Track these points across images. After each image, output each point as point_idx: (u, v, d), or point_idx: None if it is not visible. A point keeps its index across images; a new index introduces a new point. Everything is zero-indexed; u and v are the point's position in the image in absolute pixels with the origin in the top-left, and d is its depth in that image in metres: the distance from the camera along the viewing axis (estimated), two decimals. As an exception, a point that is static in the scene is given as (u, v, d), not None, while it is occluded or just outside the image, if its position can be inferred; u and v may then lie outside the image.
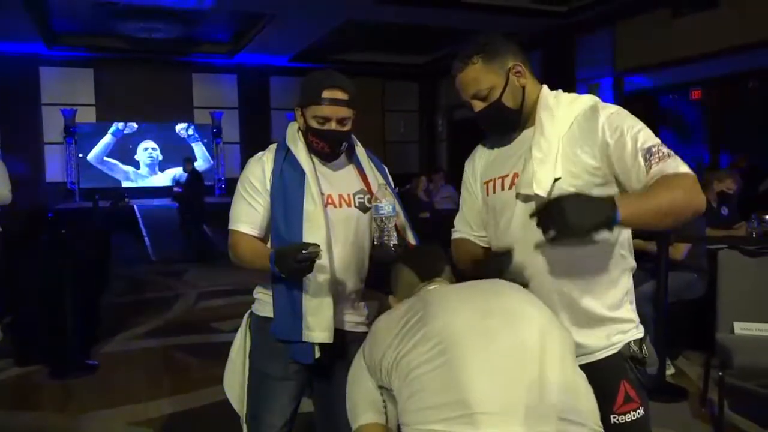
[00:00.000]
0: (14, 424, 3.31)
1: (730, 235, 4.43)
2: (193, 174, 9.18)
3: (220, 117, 14.21)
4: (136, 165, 14.00)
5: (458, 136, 13.62)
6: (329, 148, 1.78)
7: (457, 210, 1.80)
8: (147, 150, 13.97)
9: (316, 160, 1.82)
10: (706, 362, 3.32)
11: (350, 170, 1.88)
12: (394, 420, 1.36)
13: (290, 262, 1.57)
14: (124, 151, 13.77)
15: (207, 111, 14.14)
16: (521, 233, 1.51)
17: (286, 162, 1.79)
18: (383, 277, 1.65)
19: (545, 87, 1.58)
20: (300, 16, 9.82)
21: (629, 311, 1.54)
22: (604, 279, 1.49)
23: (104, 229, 7.32)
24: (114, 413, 3.35)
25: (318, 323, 1.72)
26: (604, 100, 1.55)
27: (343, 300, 1.83)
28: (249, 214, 1.79)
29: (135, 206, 11.93)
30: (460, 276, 1.65)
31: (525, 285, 1.46)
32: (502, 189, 1.56)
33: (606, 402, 1.40)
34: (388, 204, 1.64)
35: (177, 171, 13.24)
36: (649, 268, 3.76)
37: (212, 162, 14.28)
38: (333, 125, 1.74)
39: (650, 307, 3.55)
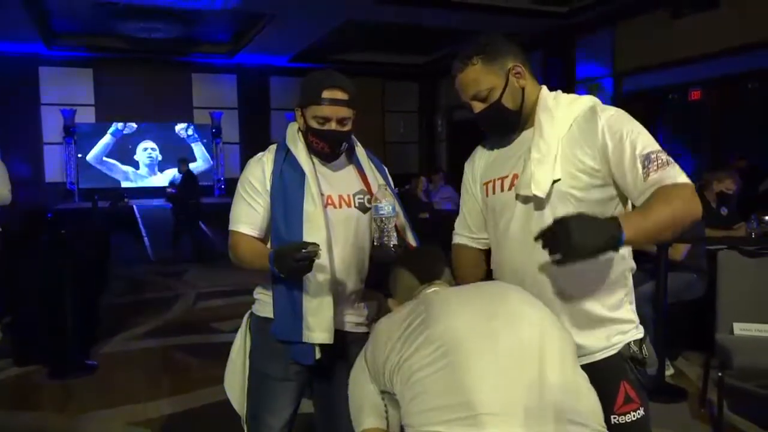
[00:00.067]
0: (13, 424, 3.30)
1: (729, 235, 4.43)
2: (188, 175, 9.16)
3: (220, 117, 14.21)
4: (136, 165, 13.98)
5: (458, 136, 13.63)
6: (329, 148, 1.78)
7: (457, 210, 1.80)
8: (146, 150, 13.95)
9: (316, 160, 1.82)
10: (705, 363, 3.32)
11: (350, 171, 1.88)
12: (395, 425, 1.36)
13: (289, 262, 1.57)
14: (124, 151, 13.75)
15: (207, 111, 14.14)
16: (521, 234, 1.51)
17: (286, 162, 1.79)
18: (383, 278, 1.65)
19: (544, 88, 1.58)
20: (300, 16, 9.82)
21: (629, 312, 1.54)
22: (604, 280, 1.49)
23: (103, 230, 7.32)
24: (113, 413, 3.35)
25: (318, 324, 1.72)
26: (603, 100, 1.56)
27: (343, 300, 1.83)
28: (249, 215, 1.79)
29: (134, 206, 11.93)
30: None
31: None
32: (502, 190, 1.56)
33: (606, 402, 1.40)
34: (388, 204, 1.64)
35: (176, 171, 13.23)
36: (649, 268, 3.75)
37: (212, 162, 14.28)
38: (333, 125, 1.74)
39: (650, 308, 3.55)
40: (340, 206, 1.80)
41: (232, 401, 1.94)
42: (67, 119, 12.98)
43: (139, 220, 11.24)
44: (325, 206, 1.76)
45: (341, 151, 1.83)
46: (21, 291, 4.30)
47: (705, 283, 3.87)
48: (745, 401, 3.34)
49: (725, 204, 4.62)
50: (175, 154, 13.25)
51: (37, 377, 3.94)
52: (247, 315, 1.94)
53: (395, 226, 1.69)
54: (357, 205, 1.83)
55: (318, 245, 1.57)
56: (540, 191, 1.44)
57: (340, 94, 1.73)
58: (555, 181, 1.45)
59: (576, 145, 1.46)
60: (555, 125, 1.49)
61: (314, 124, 1.74)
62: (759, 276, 3.22)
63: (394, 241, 1.64)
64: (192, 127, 14.19)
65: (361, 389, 1.39)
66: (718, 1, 7.89)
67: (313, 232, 1.70)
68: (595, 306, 1.48)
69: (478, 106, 1.54)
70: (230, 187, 13.49)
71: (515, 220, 1.52)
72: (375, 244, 1.68)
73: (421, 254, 1.65)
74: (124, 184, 13.69)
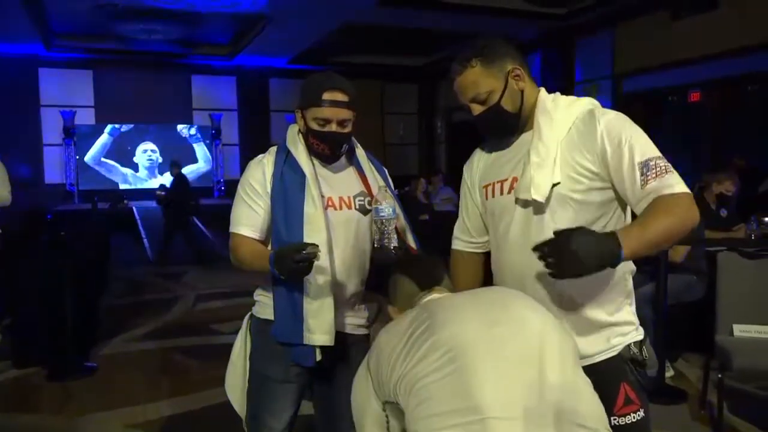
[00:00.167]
0: (12, 426, 3.30)
1: (729, 237, 4.43)
2: (179, 178, 9.12)
3: (220, 119, 14.21)
4: (135, 167, 13.94)
5: (457, 138, 13.64)
6: (330, 149, 1.78)
7: (456, 212, 1.80)
8: (146, 152, 13.91)
9: (316, 162, 1.82)
10: (705, 364, 3.32)
11: (350, 172, 1.88)
12: None
13: (289, 263, 1.57)
14: (123, 152, 13.72)
15: (206, 113, 14.14)
16: (521, 238, 1.51)
17: (286, 164, 1.79)
18: (383, 280, 1.65)
19: (543, 90, 1.58)
20: (299, 18, 9.82)
21: (629, 314, 1.54)
22: (605, 283, 1.49)
23: (103, 231, 7.31)
24: (113, 415, 3.34)
25: (319, 326, 1.72)
26: (603, 102, 1.56)
27: (343, 302, 1.83)
28: (250, 217, 1.79)
29: (134, 208, 11.92)
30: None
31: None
32: (501, 193, 1.56)
33: (606, 404, 1.40)
34: (388, 206, 1.64)
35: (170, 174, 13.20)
36: (649, 270, 3.75)
37: (212, 163, 14.28)
38: (333, 127, 1.74)
39: (650, 309, 3.55)
40: (341, 208, 1.80)
41: (232, 403, 1.94)
42: (67, 121, 12.98)
43: (139, 221, 11.23)
44: (325, 208, 1.76)
45: (341, 152, 1.83)
46: (20, 292, 4.29)
47: (705, 285, 3.87)
48: (745, 403, 3.34)
49: (725, 206, 4.62)
50: (176, 155, 13.25)
51: (36, 379, 3.94)
52: (247, 317, 1.94)
53: (395, 228, 1.69)
54: (357, 207, 1.83)
55: (317, 246, 1.57)
56: (539, 195, 1.44)
57: (340, 96, 1.73)
58: (554, 185, 1.45)
59: (575, 148, 1.46)
60: (554, 128, 1.49)
61: (315, 126, 1.74)
62: (759, 277, 3.22)
63: (394, 243, 1.65)
64: (194, 126, 14.19)
65: (364, 399, 1.39)
66: (717, 3, 7.90)
67: (313, 234, 1.70)
68: (595, 309, 1.48)
69: (477, 109, 1.54)
70: (230, 188, 13.49)
71: (515, 224, 1.52)
72: (375, 246, 1.68)
73: (421, 260, 1.64)
74: (123, 187, 13.67)
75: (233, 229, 1.81)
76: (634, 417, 1.46)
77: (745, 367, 2.92)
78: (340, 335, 1.79)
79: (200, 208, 11.41)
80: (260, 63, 13.48)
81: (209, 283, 7.07)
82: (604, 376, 1.45)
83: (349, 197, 1.82)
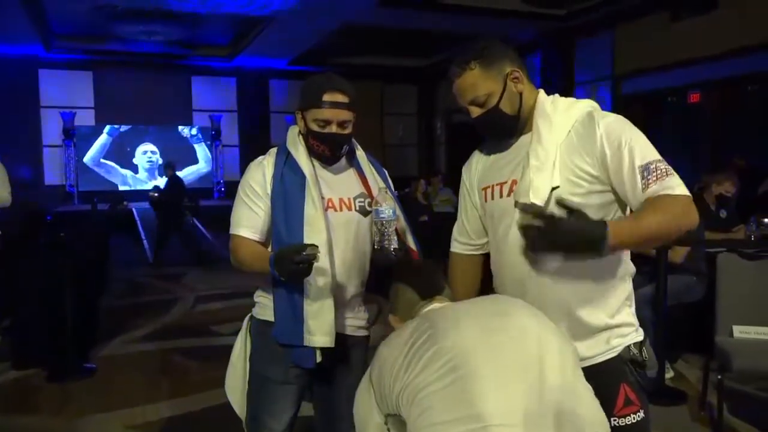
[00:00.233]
0: (12, 428, 3.30)
1: (728, 238, 4.43)
2: (173, 179, 9.10)
3: (220, 120, 14.22)
4: (135, 169, 13.93)
5: (457, 139, 13.64)
6: (330, 151, 1.78)
7: (455, 213, 1.80)
8: (146, 154, 13.90)
9: (316, 163, 1.82)
10: (705, 365, 3.32)
11: (351, 174, 1.88)
12: None
13: (288, 264, 1.57)
14: (122, 153, 13.71)
15: (206, 114, 14.15)
16: (521, 240, 1.50)
17: (286, 166, 1.79)
18: (383, 281, 1.65)
19: (542, 92, 1.58)
20: (299, 19, 9.83)
21: (629, 315, 1.54)
22: (604, 286, 1.49)
23: (103, 232, 7.31)
24: (112, 417, 3.34)
25: (319, 327, 1.72)
26: (602, 103, 1.56)
27: (344, 304, 1.83)
28: (250, 219, 1.79)
29: (133, 209, 11.92)
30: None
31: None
32: (501, 196, 1.56)
33: (606, 405, 1.41)
34: (388, 208, 1.64)
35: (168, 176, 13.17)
36: (648, 271, 3.75)
37: (212, 164, 14.28)
38: (334, 128, 1.74)
39: (649, 311, 3.55)
40: (341, 209, 1.80)
41: (232, 404, 1.94)
42: (67, 122, 12.99)
43: (138, 222, 11.23)
44: (325, 209, 1.76)
45: (342, 154, 1.83)
46: (20, 293, 4.29)
47: (704, 286, 3.87)
48: (744, 404, 3.35)
49: (724, 207, 4.62)
50: (177, 156, 13.24)
51: (35, 380, 3.93)
52: (247, 318, 1.94)
53: (396, 229, 1.69)
54: (357, 208, 1.83)
55: (317, 246, 1.57)
56: (538, 199, 1.44)
57: (340, 97, 1.73)
58: (554, 189, 1.45)
59: (574, 151, 1.46)
60: (553, 131, 1.48)
61: (315, 127, 1.74)
62: (758, 279, 3.22)
63: (394, 245, 1.64)
64: (195, 127, 14.18)
65: (366, 413, 1.39)
66: (716, 3, 7.91)
67: (313, 235, 1.70)
68: (595, 312, 1.48)
69: (475, 111, 1.54)
70: (229, 189, 13.50)
71: (514, 226, 1.52)
72: (375, 247, 1.68)
73: (422, 269, 1.65)
74: (122, 188, 13.66)
75: (233, 230, 1.81)
76: (634, 418, 1.46)
77: (745, 369, 2.91)
78: (340, 337, 1.79)
79: (200, 209, 11.41)
80: (260, 64, 13.49)
81: (209, 285, 7.07)
82: (604, 377, 1.45)
83: (349, 199, 1.82)
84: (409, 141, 15.63)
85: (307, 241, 1.69)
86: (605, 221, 1.31)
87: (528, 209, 1.32)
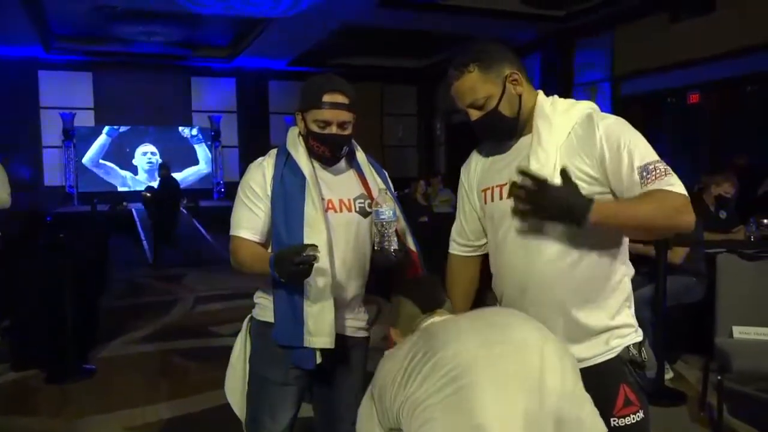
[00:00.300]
0: (11, 429, 3.29)
1: (728, 239, 4.43)
2: (166, 180, 9.07)
3: (219, 121, 14.22)
4: (134, 170, 13.92)
5: (456, 139, 13.65)
6: (330, 152, 1.78)
7: (455, 213, 1.80)
8: (146, 155, 13.89)
9: (316, 164, 1.82)
10: (704, 366, 3.32)
11: (351, 175, 1.88)
12: None
13: (288, 266, 1.56)
14: (121, 154, 13.71)
15: (206, 115, 14.15)
16: (520, 242, 1.51)
17: (286, 167, 1.79)
18: (383, 282, 1.65)
19: (541, 93, 1.58)
20: (298, 19, 9.83)
21: (628, 316, 1.54)
22: (604, 287, 1.49)
23: (102, 233, 7.30)
24: (111, 418, 3.34)
25: (319, 329, 1.72)
26: (602, 104, 1.56)
27: (344, 305, 1.83)
28: (250, 220, 1.79)
29: (133, 210, 11.92)
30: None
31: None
32: (501, 198, 1.56)
33: (606, 405, 1.41)
34: (388, 209, 1.64)
35: (176, 176, 13.15)
36: (647, 272, 3.75)
37: (211, 165, 14.29)
38: (334, 129, 1.74)
39: (648, 311, 3.55)
40: (341, 210, 1.80)
41: (232, 405, 1.94)
42: (67, 123, 12.99)
43: (138, 223, 11.23)
44: (325, 211, 1.76)
45: (342, 155, 1.83)
46: (19, 294, 4.29)
47: (704, 287, 3.87)
48: (744, 405, 3.34)
49: (724, 207, 4.62)
50: (177, 157, 13.23)
51: (34, 381, 3.93)
52: (247, 319, 1.94)
53: (396, 230, 1.69)
54: (357, 209, 1.83)
55: (316, 246, 1.57)
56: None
57: (340, 98, 1.73)
58: None
59: (574, 153, 1.46)
60: (553, 133, 1.48)
61: (315, 128, 1.74)
62: (758, 279, 3.22)
63: (394, 246, 1.65)
64: (195, 127, 14.18)
65: (368, 429, 1.39)
66: (715, 5, 7.92)
67: (314, 236, 1.70)
68: (595, 313, 1.48)
69: (475, 114, 1.53)
70: (229, 190, 13.50)
71: (514, 228, 1.52)
72: (375, 248, 1.68)
73: (423, 283, 1.65)
74: (122, 189, 13.65)
75: (233, 231, 1.81)
76: (633, 418, 1.46)
77: (745, 369, 2.91)
78: (340, 338, 1.79)
79: (199, 210, 11.41)
80: (260, 65, 13.50)
81: (208, 285, 7.06)
82: (604, 378, 1.46)
83: (349, 200, 1.82)
84: (409, 142, 15.64)
85: (307, 242, 1.69)
86: (592, 197, 1.33)
87: (525, 173, 1.34)
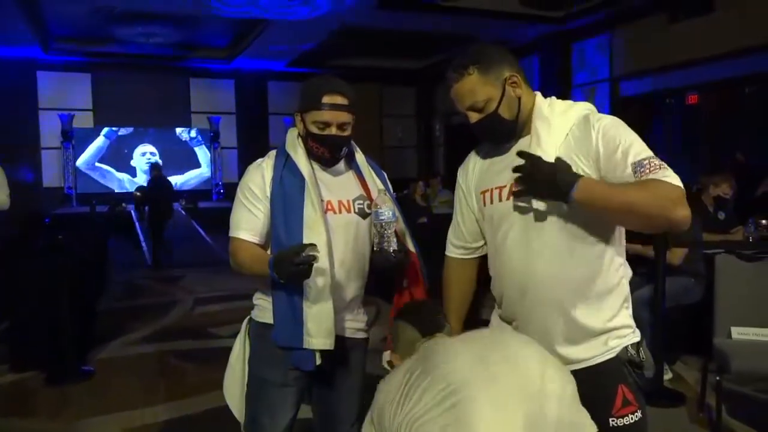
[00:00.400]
0: (9, 431, 3.29)
1: (727, 239, 4.44)
2: (157, 180, 9.04)
3: (218, 122, 14.22)
4: (133, 172, 13.86)
5: (455, 140, 13.66)
6: (329, 153, 1.78)
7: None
8: (145, 155, 13.86)
9: (315, 166, 1.81)
10: (703, 367, 3.32)
11: (350, 176, 1.88)
12: None
13: (288, 266, 1.56)
14: (119, 156, 13.66)
15: (204, 116, 14.15)
16: (520, 244, 1.51)
17: (285, 168, 1.79)
18: (382, 283, 1.65)
19: (539, 95, 1.58)
20: (297, 20, 9.83)
21: (626, 317, 1.54)
22: (602, 288, 1.49)
23: (101, 234, 7.30)
24: (110, 419, 3.33)
25: (319, 330, 1.72)
26: (601, 105, 1.56)
27: (343, 306, 1.82)
28: (249, 221, 1.79)
29: (132, 211, 11.92)
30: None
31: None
32: (500, 200, 1.56)
33: (604, 405, 1.41)
34: (387, 210, 1.64)
35: (177, 179, 13.17)
36: (646, 272, 3.76)
37: (211, 166, 14.28)
38: (333, 130, 1.74)
39: (647, 312, 3.55)
40: (340, 212, 1.80)
41: (231, 407, 1.94)
42: (65, 124, 12.98)
43: (137, 225, 11.23)
44: (324, 212, 1.76)
45: (341, 156, 1.83)
46: (18, 296, 4.28)
47: (703, 288, 3.88)
48: (743, 405, 3.35)
49: (722, 208, 4.63)
50: (177, 157, 13.21)
51: (33, 383, 3.93)
52: (246, 320, 1.94)
53: (395, 231, 1.69)
54: (357, 210, 1.83)
55: (316, 246, 1.57)
56: (539, 203, 1.44)
57: (340, 99, 1.73)
58: None
59: (572, 154, 1.46)
60: (552, 134, 1.49)
61: (314, 129, 1.74)
62: (757, 280, 3.22)
63: (394, 247, 1.65)
64: (195, 129, 14.17)
65: None
66: (713, 5, 7.93)
67: (313, 237, 1.70)
68: (594, 314, 1.49)
69: (474, 117, 1.53)
70: (228, 191, 13.50)
71: (514, 230, 1.52)
72: (375, 249, 1.68)
73: (422, 308, 1.65)
74: (120, 191, 13.61)
75: (233, 233, 1.80)
76: (631, 418, 1.46)
77: (744, 370, 2.92)
78: (340, 339, 1.78)
79: (199, 211, 11.40)
80: (259, 66, 13.50)
81: (207, 287, 7.06)
82: (602, 378, 1.46)
83: (348, 201, 1.82)
84: (408, 143, 15.64)
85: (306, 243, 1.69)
86: (581, 175, 1.36)
87: (522, 154, 1.38)
